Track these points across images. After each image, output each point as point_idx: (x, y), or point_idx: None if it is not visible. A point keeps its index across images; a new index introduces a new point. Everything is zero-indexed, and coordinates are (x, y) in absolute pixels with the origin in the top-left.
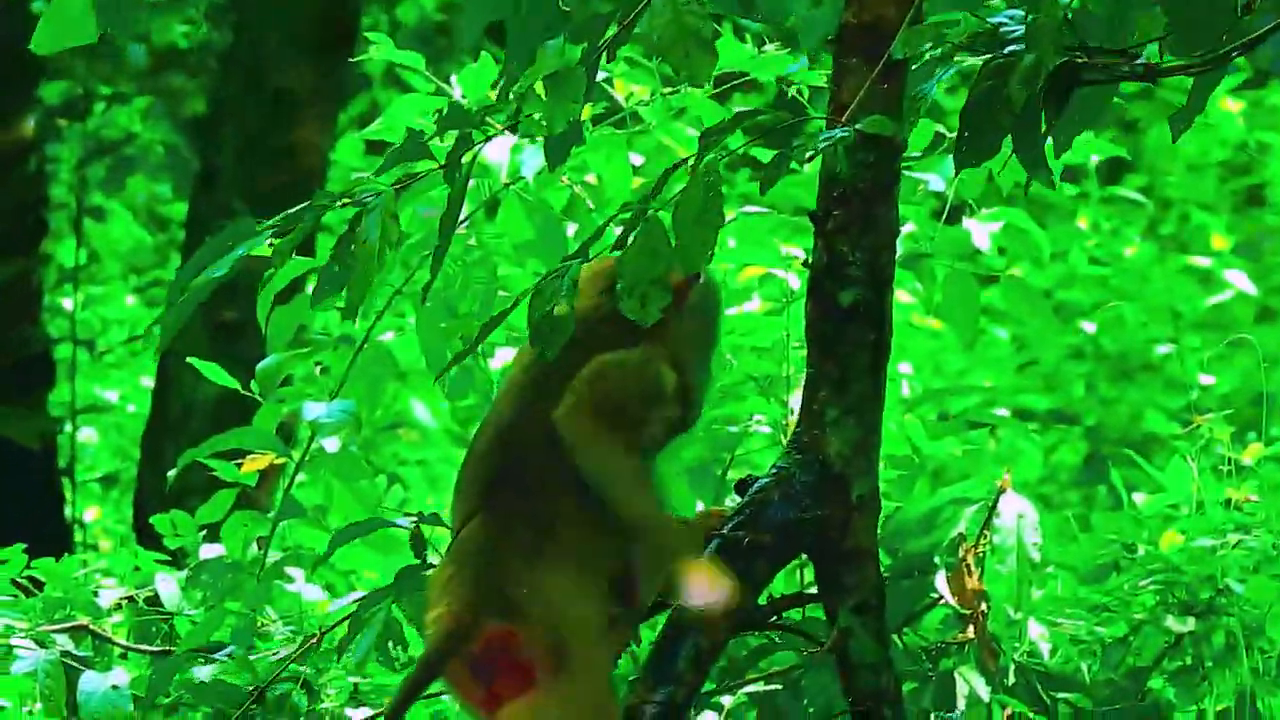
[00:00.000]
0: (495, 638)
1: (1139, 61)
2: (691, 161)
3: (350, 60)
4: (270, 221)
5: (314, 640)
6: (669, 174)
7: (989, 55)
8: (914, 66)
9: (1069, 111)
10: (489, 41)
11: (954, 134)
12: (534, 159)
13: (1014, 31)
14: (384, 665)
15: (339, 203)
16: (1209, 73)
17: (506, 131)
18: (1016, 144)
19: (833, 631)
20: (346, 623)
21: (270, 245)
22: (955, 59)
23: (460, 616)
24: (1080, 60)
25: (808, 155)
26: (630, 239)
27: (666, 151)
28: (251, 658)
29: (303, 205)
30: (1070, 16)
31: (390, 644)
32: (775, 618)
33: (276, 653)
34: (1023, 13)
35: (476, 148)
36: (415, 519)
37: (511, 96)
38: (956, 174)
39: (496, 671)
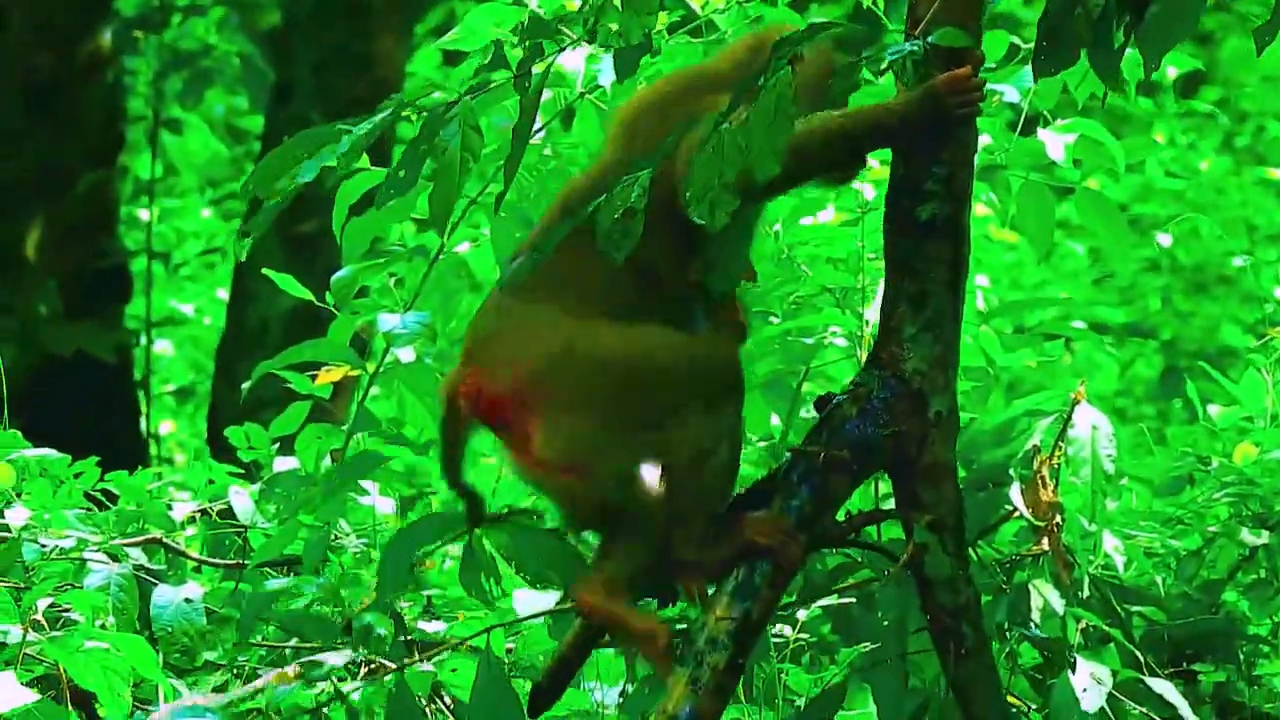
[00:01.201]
0: (469, 391)
1: None
2: (769, 70)
3: None
4: (346, 123)
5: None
6: (744, 85)
7: None
8: None
9: (1151, 24)
10: None
11: (1029, 45)
12: (610, 68)
13: None
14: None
15: (409, 112)
16: None
17: (585, 41)
18: (1092, 55)
19: (908, 547)
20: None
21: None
22: None
23: (449, 382)
24: None
25: (881, 67)
26: (701, 146)
27: None
28: (329, 578)
29: (372, 113)
30: None
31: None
32: (853, 534)
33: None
34: None
35: (550, 58)
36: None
37: (588, 6)
38: (1035, 83)
39: (497, 417)
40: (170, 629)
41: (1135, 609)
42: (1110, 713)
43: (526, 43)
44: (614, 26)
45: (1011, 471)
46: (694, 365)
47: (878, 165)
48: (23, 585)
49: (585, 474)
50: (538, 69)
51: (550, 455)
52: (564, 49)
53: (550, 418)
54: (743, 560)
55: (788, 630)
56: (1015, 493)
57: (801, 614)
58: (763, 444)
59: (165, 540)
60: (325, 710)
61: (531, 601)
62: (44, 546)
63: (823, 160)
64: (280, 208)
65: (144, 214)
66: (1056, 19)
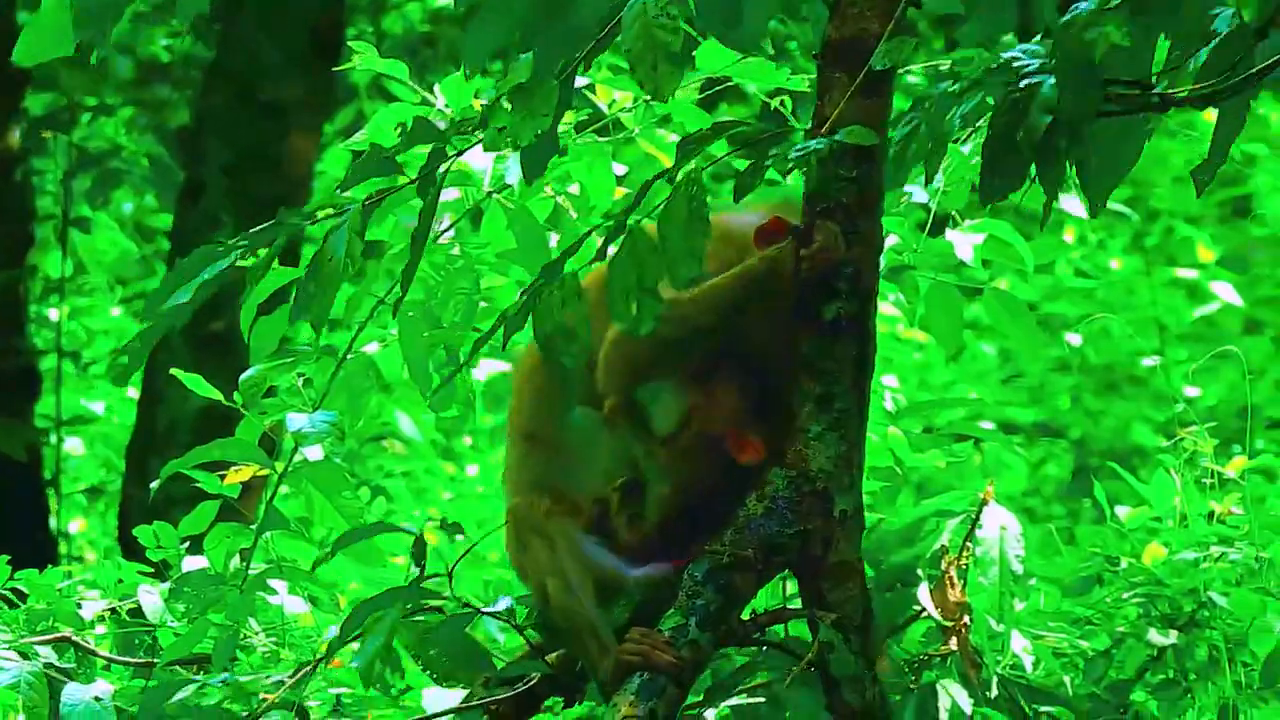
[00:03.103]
0: None
1: (1154, 92)
2: (672, 170)
3: (336, 70)
4: (241, 238)
5: (310, 667)
6: (650, 184)
7: (1006, 89)
8: (926, 104)
9: (1096, 163)
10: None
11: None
12: (517, 168)
13: (1027, 65)
14: (378, 686)
15: (318, 217)
16: (1231, 110)
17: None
18: (1042, 174)
19: (814, 646)
20: (336, 635)
21: (251, 259)
22: (963, 95)
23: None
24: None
25: (788, 167)
26: (616, 251)
27: (651, 160)
28: (237, 675)
29: (274, 220)
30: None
31: (388, 669)
32: (759, 633)
33: (267, 675)
34: (1038, 47)
35: (449, 160)
36: (419, 529)
37: (481, 109)
38: (984, 205)
39: None
40: None
41: (1044, 709)
42: None
43: (411, 147)
44: (501, 129)
45: (920, 571)
46: None
47: None
48: None
49: None
50: (438, 173)
51: None
52: (464, 150)
53: None
54: (627, 674)
55: None
56: (924, 593)
57: (709, 714)
58: None
59: (75, 638)
60: None
61: (440, 698)
62: None
63: (708, 331)
64: (159, 334)
65: (53, 313)
66: (998, 145)
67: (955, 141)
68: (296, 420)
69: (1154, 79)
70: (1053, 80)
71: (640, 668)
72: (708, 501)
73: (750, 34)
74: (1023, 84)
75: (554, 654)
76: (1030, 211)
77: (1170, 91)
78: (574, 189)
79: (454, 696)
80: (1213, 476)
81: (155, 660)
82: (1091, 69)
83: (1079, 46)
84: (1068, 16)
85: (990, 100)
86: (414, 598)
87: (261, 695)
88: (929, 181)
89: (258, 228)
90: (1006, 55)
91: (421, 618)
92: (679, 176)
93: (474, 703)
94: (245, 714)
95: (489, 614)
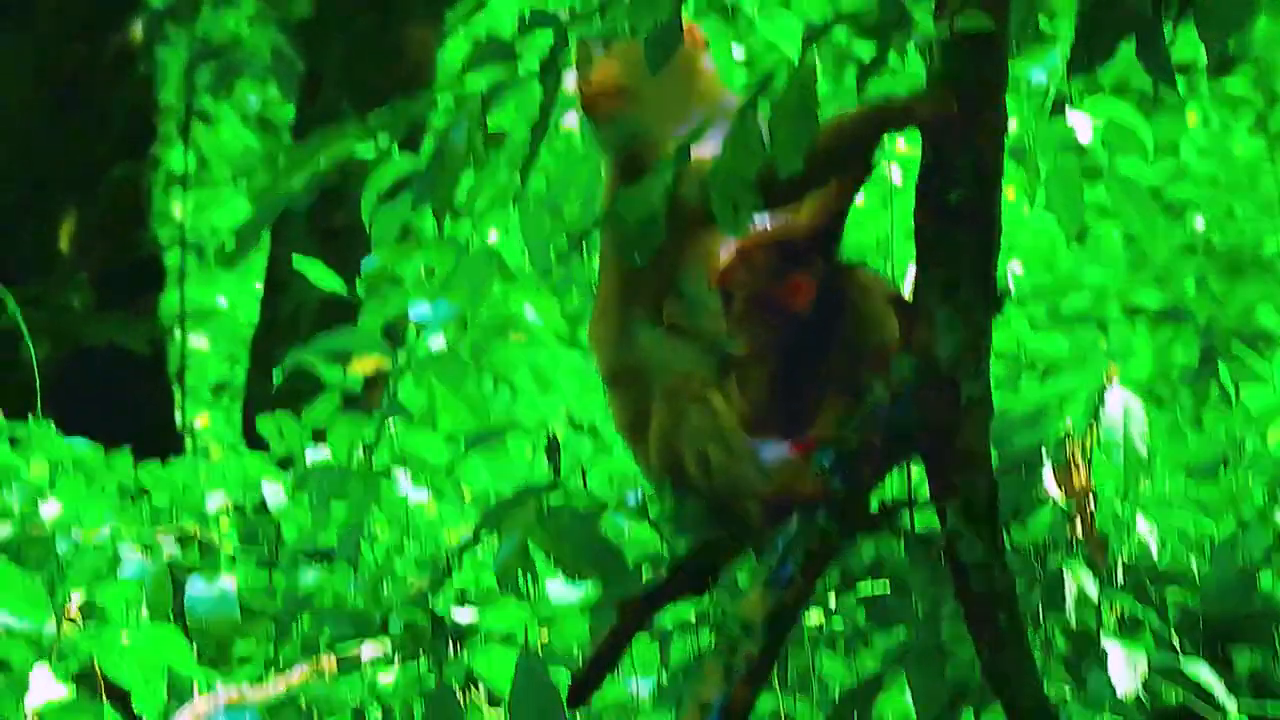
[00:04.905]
0: None
1: None
2: (795, 59)
3: None
4: (360, 124)
5: (445, 571)
6: (769, 77)
7: None
8: None
9: (1213, 9)
10: None
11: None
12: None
13: None
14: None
15: (436, 104)
16: None
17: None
18: (1141, 52)
19: (942, 534)
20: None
21: (369, 145)
22: None
23: None
24: None
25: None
26: (726, 141)
27: (771, 46)
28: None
29: (393, 104)
30: None
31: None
32: (887, 521)
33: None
34: None
35: (569, 48)
36: (548, 427)
37: None
38: (1070, 78)
39: None
40: (205, 622)
41: (1170, 593)
42: (1145, 696)
43: (528, 34)
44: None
45: (1044, 455)
46: None
47: (905, 147)
48: (56, 579)
49: None
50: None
51: None
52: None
53: None
54: (775, 512)
55: (822, 618)
56: (1048, 477)
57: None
58: None
59: (198, 533)
60: (361, 704)
61: (564, 592)
62: (77, 540)
63: (832, 159)
64: (280, 204)
65: (177, 207)
66: (1097, 10)
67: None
68: (419, 309)
69: None
70: None
71: (785, 501)
72: (801, 364)
73: None
74: None
75: (683, 547)
76: (1150, 93)
77: None
78: None
79: (579, 590)
80: None
81: (279, 554)
82: None
83: None
84: None
85: None
86: (549, 496)
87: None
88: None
89: (376, 112)
90: None
91: (551, 514)
92: (795, 68)
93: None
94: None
95: (623, 509)
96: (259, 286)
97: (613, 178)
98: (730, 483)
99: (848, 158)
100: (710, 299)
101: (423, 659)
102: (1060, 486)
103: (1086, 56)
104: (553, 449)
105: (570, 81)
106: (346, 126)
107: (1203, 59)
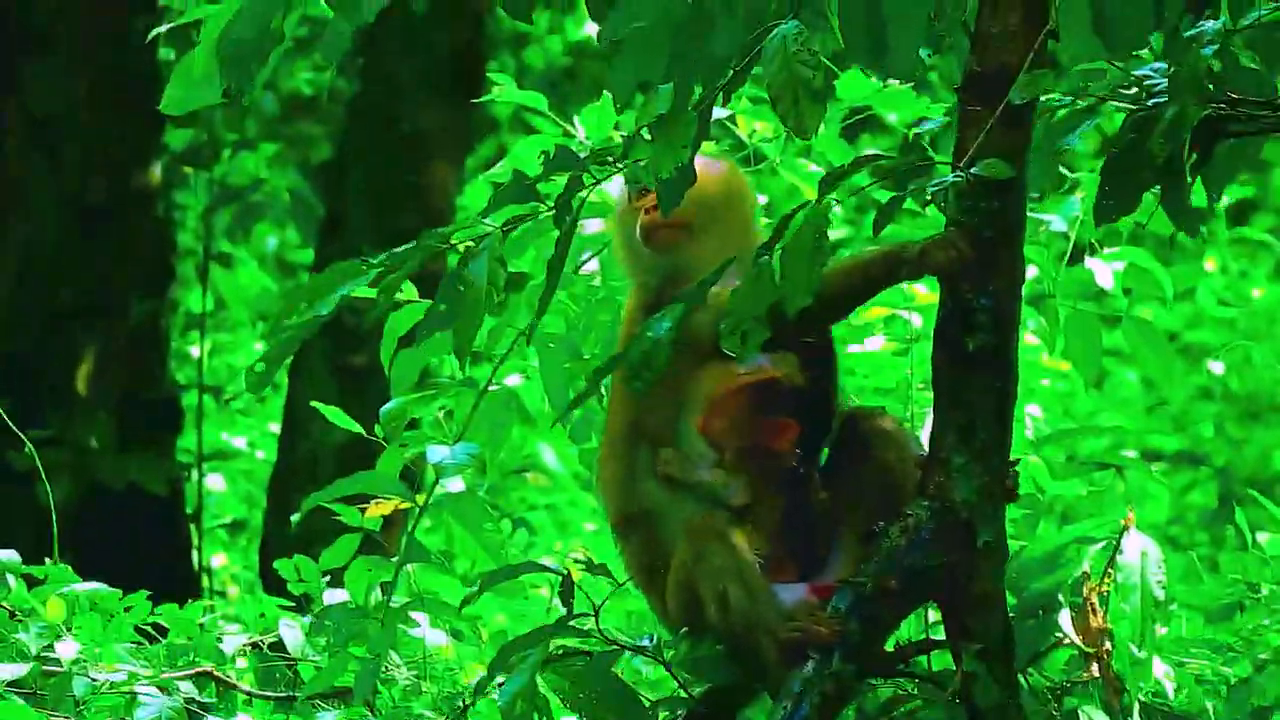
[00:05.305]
0: None
1: None
2: (816, 203)
3: (476, 102)
4: (376, 260)
5: (460, 712)
6: (789, 218)
7: (1133, 108)
8: (1053, 119)
9: (1215, 161)
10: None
11: (1075, 174)
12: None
13: (1159, 84)
14: None
15: (455, 243)
16: None
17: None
18: (1164, 197)
19: (958, 677)
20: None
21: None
22: (1094, 110)
23: None
24: (1224, 112)
25: (926, 199)
26: (744, 280)
27: (793, 190)
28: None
29: (409, 245)
30: (1215, 69)
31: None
32: (903, 664)
33: (409, 710)
34: (1166, 65)
35: (588, 189)
36: (567, 567)
37: (621, 139)
38: (1098, 226)
39: None
40: None
41: None
42: None
43: (552, 175)
44: (642, 161)
45: (1061, 598)
46: None
47: (925, 292)
48: (73, 719)
49: None
50: (574, 201)
51: None
52: (601, 180)
53: None
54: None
55: None
56: (1065, 619)
57: None
58: None
59: (216, 673)
60: None
61: None
62: (95, 680)
63: (842, 300)
64: (294, 345)
65: (195, 349)
66: (1120, 163)
67: (1092, 173)
68: (438, 452)
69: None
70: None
71: (802, 643)
72: (801, 498)
73: (900, 61)
74: (1150, 103)
75: (699, 690)
76: (1175, 240)
77: None
78: None
79: None
80: None
81: (296, 694)
82: (1203, 86)
83: (1193, 65)
84: (1191, 31)
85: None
86: (561, 635)
87: None
88: (1042, 197)
89: (398, 249)
90: (1138, 73)
91: (566, 656)
92: (808, 210)
93: None
94: None
95: (636, 649)
96: (274, 429)
97: (638, 309)
98: (748, 624)
99: (860, 298)
100: (705, 449)
101: None
102: (1077, 629)
103: (1112, 207)
104: (566, 589)
105: (617, 194)
106: (365, 261)
107: (1220, 205)
